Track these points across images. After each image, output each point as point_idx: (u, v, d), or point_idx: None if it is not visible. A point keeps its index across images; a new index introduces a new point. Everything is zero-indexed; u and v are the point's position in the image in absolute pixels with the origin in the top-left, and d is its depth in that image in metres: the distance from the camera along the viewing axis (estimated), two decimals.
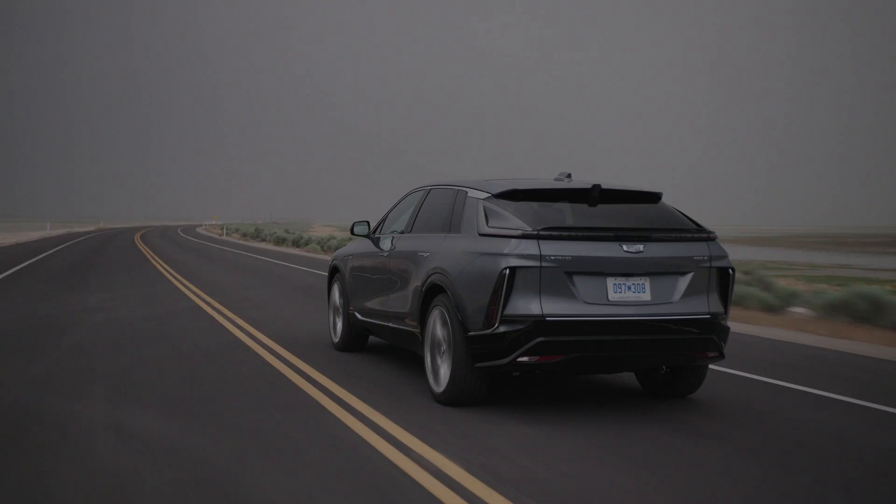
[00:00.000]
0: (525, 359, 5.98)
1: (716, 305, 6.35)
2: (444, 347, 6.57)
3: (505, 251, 6.05)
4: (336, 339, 9.21)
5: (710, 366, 7.94)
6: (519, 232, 6.08)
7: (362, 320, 8.52)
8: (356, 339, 8.97)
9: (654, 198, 6.78)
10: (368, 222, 8.68)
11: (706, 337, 6.28)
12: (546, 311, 5.96)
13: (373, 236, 8.53)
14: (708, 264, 6.33)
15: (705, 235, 6.43)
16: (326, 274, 9.89)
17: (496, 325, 6.03)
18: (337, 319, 9.26)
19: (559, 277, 6.00)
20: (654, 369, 6.89)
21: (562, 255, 6.00)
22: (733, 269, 6.47)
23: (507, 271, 5.96)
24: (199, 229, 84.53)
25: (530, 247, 6.00)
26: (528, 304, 5.98)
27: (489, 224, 6.37)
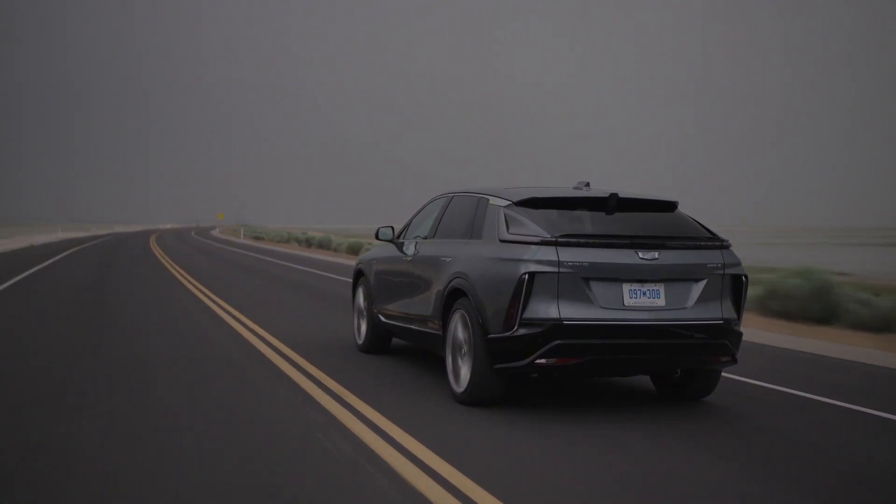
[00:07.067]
0: (543, 361, 6.21)
1: (729, 311, 6.54)
2: (464, 349, 6.80)
3: (525, 257, 6.28)
4: (360, 341, 9.47)
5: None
6: (538, 239, 6.32)
7: (385, 322, 8.78)
8: (379, 341, 9.23)
9: (669, 206, 7.00)
10: (392, 227, 8.93)
11: (719, 342, 6.48)
12: (563, 315, 6.18)
13: (397, 241, 8.77)
14: (721, 272, 6.53)
15: (719, 243, 6.63)
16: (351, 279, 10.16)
17: (515, 328, 6.26)
18: (361, 322, 9.53)
19: (576, 283, 6.22)
20: (668, 373, 7.10)
21: (579, 262, 6.22)
22: (746, 277, 6.66)
23: (527, 276, 6.19)
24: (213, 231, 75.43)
25: (549, 253, 6.23)
26: (546, 308, 6.21)
27: (510, 231, 6.61)
